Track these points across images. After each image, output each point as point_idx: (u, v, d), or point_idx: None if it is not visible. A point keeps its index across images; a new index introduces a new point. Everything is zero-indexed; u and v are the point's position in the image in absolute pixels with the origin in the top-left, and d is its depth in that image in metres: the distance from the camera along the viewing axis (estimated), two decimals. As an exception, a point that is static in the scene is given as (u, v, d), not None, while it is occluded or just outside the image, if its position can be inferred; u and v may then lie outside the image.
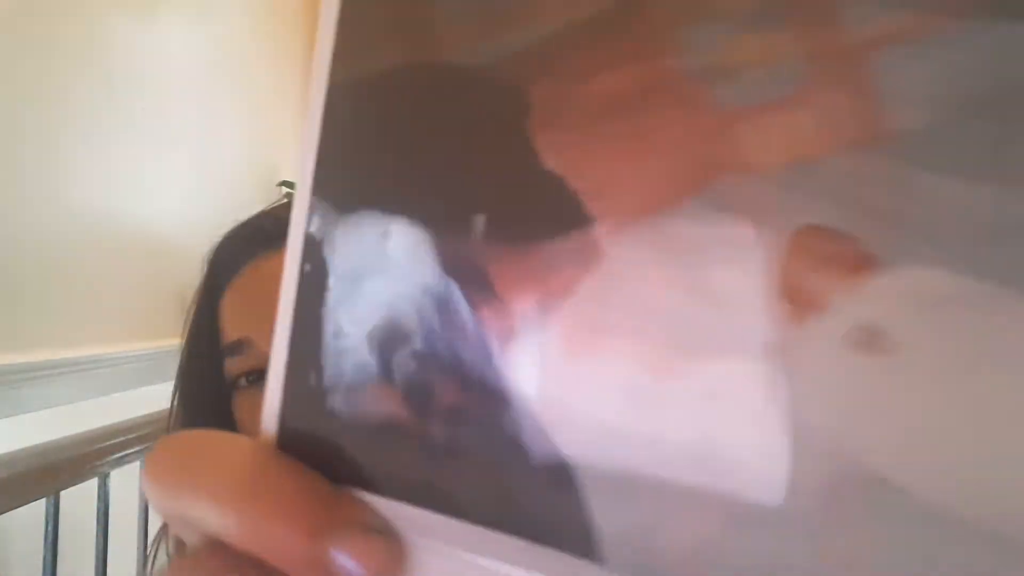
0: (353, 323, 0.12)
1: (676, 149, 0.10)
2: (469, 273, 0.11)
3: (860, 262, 0.09)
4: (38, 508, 0.85)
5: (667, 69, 0.10)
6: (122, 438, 0.93)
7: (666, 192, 0.10)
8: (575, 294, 0.11)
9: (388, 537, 0.12)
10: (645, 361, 0.10)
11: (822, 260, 0.09)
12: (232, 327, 0.48)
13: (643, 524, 0.10)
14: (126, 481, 0.93)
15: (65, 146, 1.14)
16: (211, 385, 0.49)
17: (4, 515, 0.80)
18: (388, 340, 0.12)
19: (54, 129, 1.12)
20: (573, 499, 0.11)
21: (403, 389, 0.12)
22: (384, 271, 0.12)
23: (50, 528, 0.85)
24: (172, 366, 0.54)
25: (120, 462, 0.93)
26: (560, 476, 0.11)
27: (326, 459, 0.12)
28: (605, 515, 0.10)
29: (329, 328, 0.12)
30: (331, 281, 0.12)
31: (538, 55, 0.11)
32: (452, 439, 0.12)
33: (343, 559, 0.11)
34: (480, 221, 0.11)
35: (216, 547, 0.12)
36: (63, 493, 0.86)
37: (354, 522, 0.12)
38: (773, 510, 0.09)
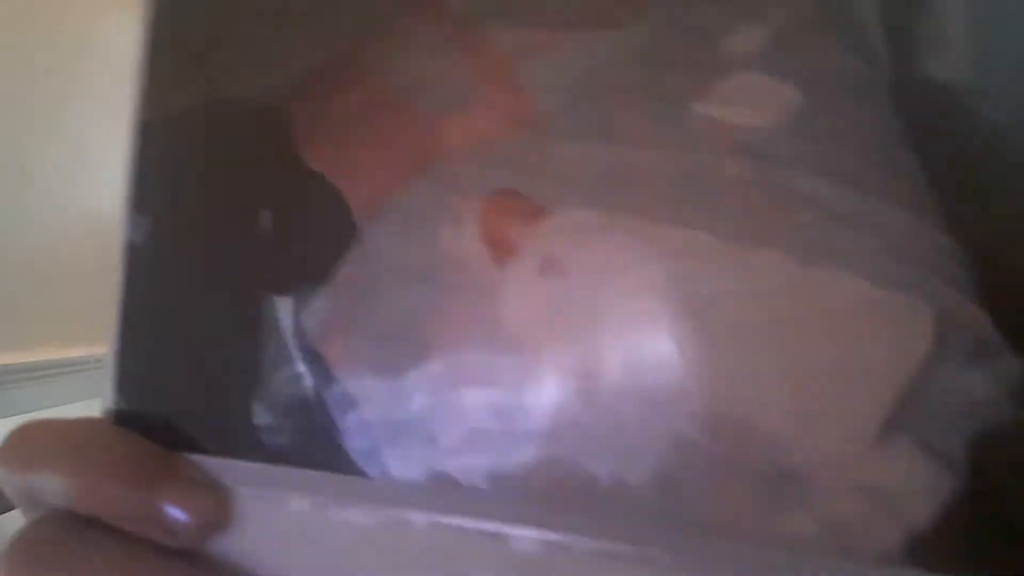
0: (177, 311, 0.15)
1: (398, 144, 0.14)
2: (257, 272, 0.14)
3: (533, 212, 0.13)
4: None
5: (383, 88, 0.14)
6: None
7: (396, 176, 0.14)
8: (344, 266, 0.14)
9: (214, 488, 0.14)
10: (405, 309, 0.13)
11: (508, 214, 0.13)
12: None
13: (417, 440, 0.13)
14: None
15: (66, 146, 1.14)
16: None
17: (4, 515, 0.80)
18: (207, 326, 0.15)
19: (55, 129, 1.12)
20: (358, 432, 0.13)
21: (218, 369, 0.15)
22: (200, 272, 0.15)
23: (49, 527, 0.85)
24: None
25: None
26: (346, 417, 0.13)
27: (158, 428, 0.14)
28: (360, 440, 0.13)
29: (156, 315, 0.15)
30: (155, 278, 0.15)
31: (295, 86, 0.14)
32: (264, 406, 0.14)
33: (172, 510, 0.13)
34: (266, 216, 0.14)
35: (59, 513, 0.14)
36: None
37: (181, 477, 0.13)
38: (519, 405, 0.13)
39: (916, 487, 0.11)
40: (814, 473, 0.11)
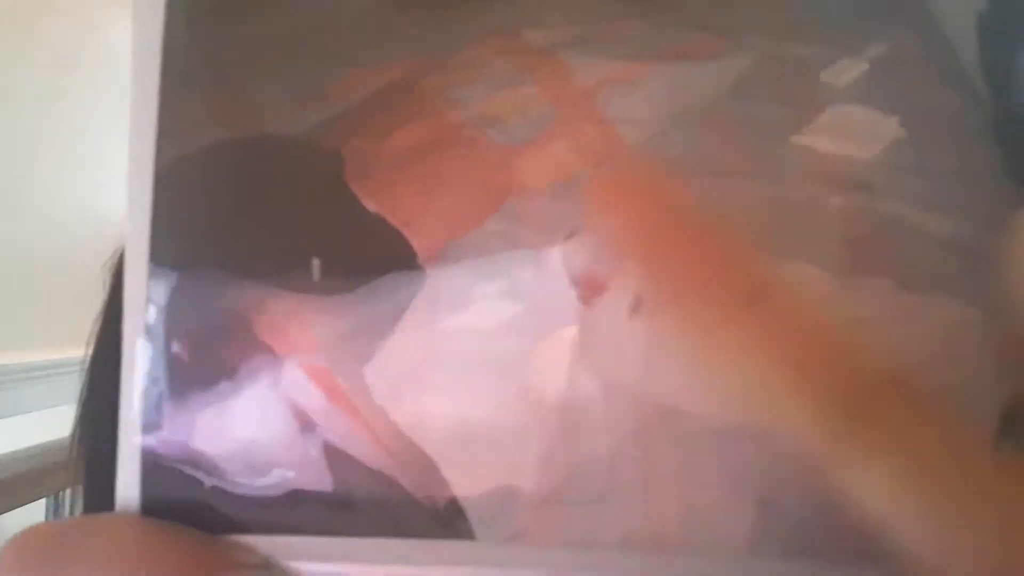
0: (203, 390, 0.13)
1: (467, 181, 0.13)
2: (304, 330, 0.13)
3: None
4: (38, 508, 0.85)
5: (448, 121, 0.13)
6: (122, 438, 0.93)
7: (467, 216, 0.13)
8: (408, 315, 0.13)
9: (279, 572, 0.12)
10: (478, 366, 0.12)
11: (596, 252, 0.12)
12: None
13: (503, 497, 0.12)
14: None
15: (64, 146, 1.14)
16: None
17: (4, 515, 0.80)
18: (238, 400, 0.13)
19: (54, 128, 1.12)
20: (444, 496, 0.12)
21: (263, 445, 0.13)
22: (228, 335, 0.13)
23: (50, 528, 0.86)
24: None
25: (120, 462, 0.93)
26: (431, 482, 0.12)
27: (193, 514, 0.13)
28: (469, 498, 0.12)
29: (179, 397, 0.13)
30: (175, 351, 0.13)
31: (345, 121, 0.13)
32: (332, 482, 0.13)
33: None
34: (316, 265, 0.13)
35: None
36: (62, 493, 0.87)
37: (238, 564, 0.12)
38: (600, 454, 0.12)
39: None
40: None
